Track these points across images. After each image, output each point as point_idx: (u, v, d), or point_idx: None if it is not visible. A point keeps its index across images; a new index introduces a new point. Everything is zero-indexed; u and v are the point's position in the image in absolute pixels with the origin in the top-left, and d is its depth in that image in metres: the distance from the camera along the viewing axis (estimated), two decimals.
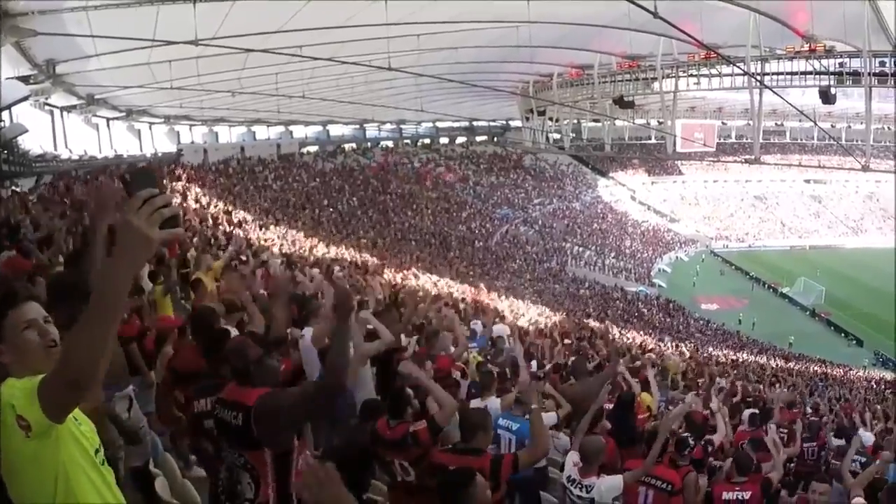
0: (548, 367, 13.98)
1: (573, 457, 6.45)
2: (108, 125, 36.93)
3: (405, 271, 36.12)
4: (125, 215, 2.19)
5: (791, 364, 39.62)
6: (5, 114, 18.58)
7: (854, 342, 51.69)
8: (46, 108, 27.38)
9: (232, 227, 30.48)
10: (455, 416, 5.84)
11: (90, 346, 2.21)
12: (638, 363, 16.73)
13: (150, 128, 45.05)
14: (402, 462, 5.60)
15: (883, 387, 33.93)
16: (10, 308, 2.62)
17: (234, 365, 4.38)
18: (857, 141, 66.40)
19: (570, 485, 6.27)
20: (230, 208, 38.36)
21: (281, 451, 4.15)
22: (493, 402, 7.70)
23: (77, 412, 2.58)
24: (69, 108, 29.72)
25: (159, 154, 45.44)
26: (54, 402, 2.32)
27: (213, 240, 23.09)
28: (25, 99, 22.21)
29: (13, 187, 18.92)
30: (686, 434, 7.97)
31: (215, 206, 37.30)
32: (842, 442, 11.41)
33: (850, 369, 41.36)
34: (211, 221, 29.61)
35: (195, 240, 19.85)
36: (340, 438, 5.44)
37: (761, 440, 9.04)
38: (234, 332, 6.82)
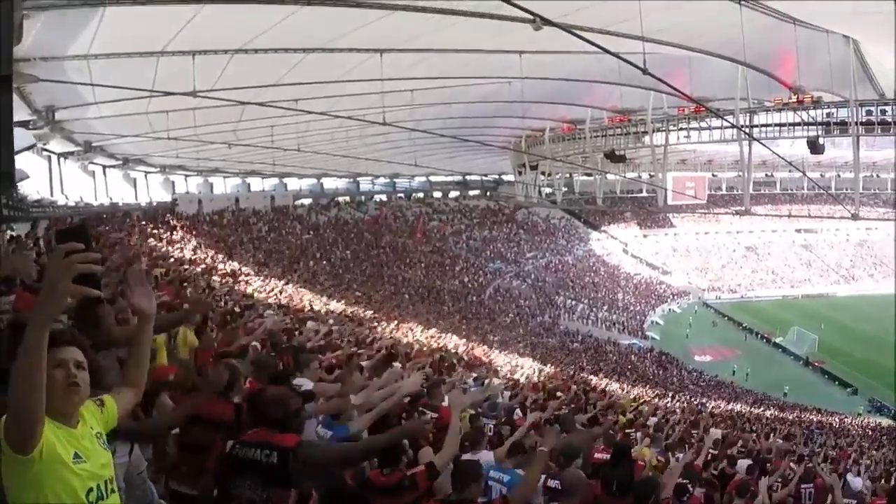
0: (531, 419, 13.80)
1: None
2: (104, 173, 37.03)
3: (402, 325, 36.12)
4: (47, 264, 2.40)
5: (786, 414, 39.53)
6: None
7: (849, 390, 51.56)
8: (44, 153, 27.54)
9: (226, 279, 30.54)
10: (448, 467, 5.89)
11: (19, 389, 2.46)
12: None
13: (146, 177, 45.19)
14: None
15: (879, 433, 33.92)
16: (50, 347, 2.75)
17: (273, 415, 4.46)
18: (846, 189, 67.11)
19: None
20: (224, 259, 38.48)
21: (305, 494, 4.30)
22: (485, 456, 7.71)
23: (86, 446, 2.82)
24: (66, 155, 29.84)
25: (154, 203, 45.54)
26: (10, 436, 2.54)
27: (207, 289, 23.15)
28: (31, 147, 22.41)
29: (10, 232, 18.98)
30: (685, 481, 8.01)
31: (210, 257, 37.43)
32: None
33: (846, 417, 41.31)
34: (205, 272, 29.65)
35: (189, 290, 19.89)
36: (328, 482, 5.51)
37: (749, 487, 9.12)
38: None
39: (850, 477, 13.41)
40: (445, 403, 9.73)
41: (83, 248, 2.42)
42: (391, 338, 28.52)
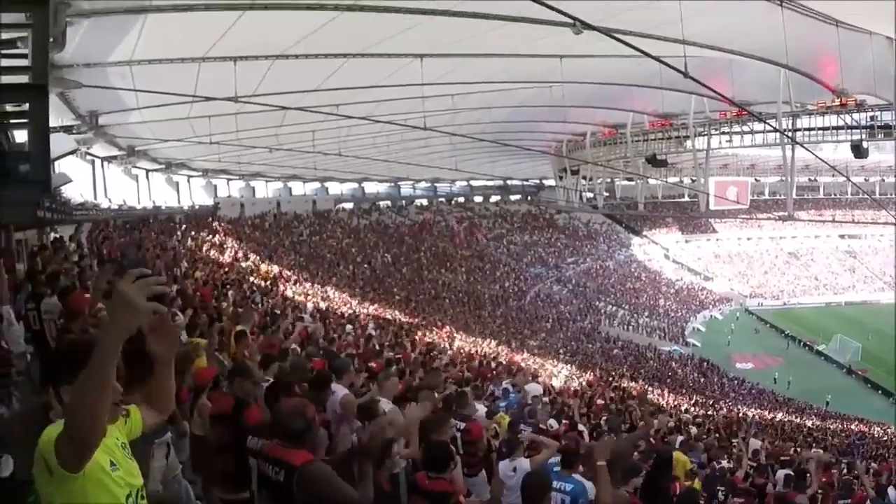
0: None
1: None
2: (147, 176, 37.59)
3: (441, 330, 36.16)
4: (119, 286, 2.46)
5: (828, 423, 38.88)
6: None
7: (892, 399, 50.52)
8: (88, 157, 27.97)
9: (267, 282, 30.77)
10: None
11: (86, 406, 2.43)
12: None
13: (189, 180, 45.81)
14: None
15: None
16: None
17: (290, 427, 4.45)
18: (890, 194, 66.01)
19: None
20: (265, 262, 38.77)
21: None
22: (523, 463, 7.64)
23: (118, 456, 2.84)
24: (110, 159, 30.33)
25: (196, 207, 46.05)
26: (65, 456, 2.52)
27: (248, 293, 23.35)
28: (73, 152, 22.76)
29: (54, 234, 19.35)
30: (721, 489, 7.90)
31: (250, 260, 37.75)
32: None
33: (889, 427, 40.50)
34: (246, 275, 29.95)
35: (230, 293, 20.07)
36: None
37: (787, 500, 8.99)
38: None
39: (890, 491, 13.08)
40: (476, 414, 9.66)
41: (150, 273, 2.57)
42: (430, 343, 28.56)
